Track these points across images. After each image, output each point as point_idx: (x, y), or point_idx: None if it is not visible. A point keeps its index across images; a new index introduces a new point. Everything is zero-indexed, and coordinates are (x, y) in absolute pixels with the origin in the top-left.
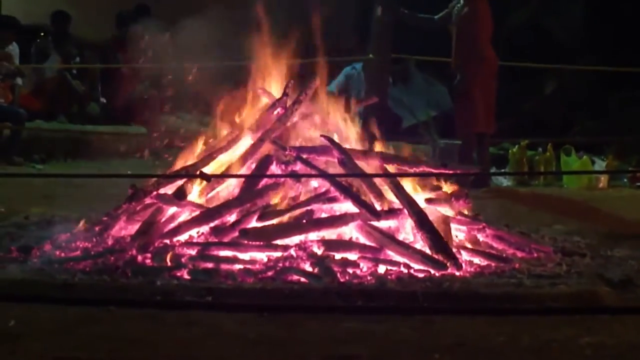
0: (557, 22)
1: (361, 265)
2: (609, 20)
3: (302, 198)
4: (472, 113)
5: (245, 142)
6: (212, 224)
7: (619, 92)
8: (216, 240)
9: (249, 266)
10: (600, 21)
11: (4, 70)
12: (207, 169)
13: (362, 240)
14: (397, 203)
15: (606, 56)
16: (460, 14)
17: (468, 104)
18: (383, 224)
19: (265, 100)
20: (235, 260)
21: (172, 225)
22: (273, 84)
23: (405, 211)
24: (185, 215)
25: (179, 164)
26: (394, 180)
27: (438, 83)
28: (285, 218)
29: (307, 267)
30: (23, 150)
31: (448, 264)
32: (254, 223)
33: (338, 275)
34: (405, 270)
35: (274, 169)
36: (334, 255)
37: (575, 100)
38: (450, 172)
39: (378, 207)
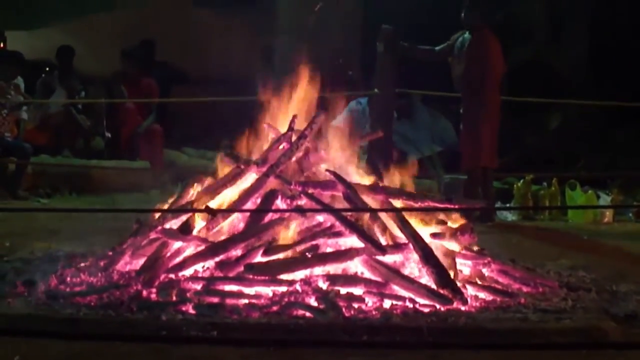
0: (562, 57)
1: (366, 300)
2: (613, 55)
3: (307, 233)
4: (477, 147)
5: (251, 176)
6: (217, 259)
7: (623, 127)
8: (221, 274)
9: (254, 301)
10: (604, 56)
11: (10, 101)
12: (213, 204)
13: (368, 274)
14: (402, 237)
15: (610, 91)
16: (469, 48)
17: (474, 139)
18: (388, 259)
19: (270, 135)
20: (240, 295)
21: (178, 259)
22: (279, 118)
23: (411, 246)
24: (190, 250)
25: (184, 199)
26: (399, 215)
27: (443, 117)
28: (290, 253)
29: (313, 301)
30: (28, 184)
31: (453, 299)
32: (259, 258)
33: (343, 310)
34: (411, 305)
35: (279, 203)
36: (339, 290)
37: (580, 135)
38: (455, 206)
39: (383, 241)
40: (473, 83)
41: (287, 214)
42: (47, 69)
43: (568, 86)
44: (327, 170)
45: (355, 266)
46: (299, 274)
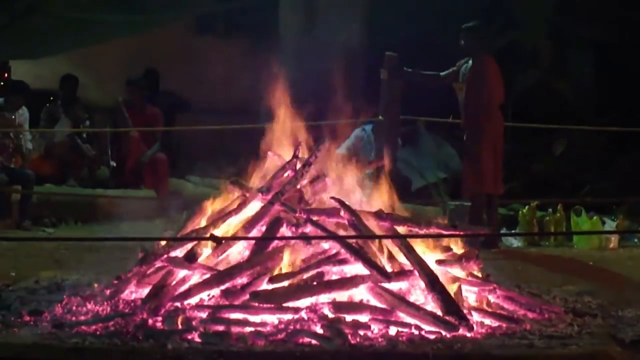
0: (567, 83)
1: (372, 327)
2: (619, 81)
3: (313, 260)
4: (481, 174)
5: (256, 204)
6: (223, 287)
7: (629, 152)
8: (227, 302)
9: (260, 329)
10: (610, 82)
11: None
12: (218, 232)
13: (373, 302)
14: (407, 264)
15: (616, 117)
16: (469, 75)
17: (477, 165)
18: (394, 286)
19: (275, 163)
20: (246, 322)
21: (183, 288)
22: (284, 146)
23: (416, 272)
24: (196, 278)
25: (189, 227)
26: (404, 242)
27: (447, 144)
28: (295, 280)
29: (318, 329)
30: (33, 214)
31: (459, 325)
32: (264, 285)
33: (349, 337)
34: (417, 332)
35: (284, 231)
36: (344, 317)
37: (585, 160)
38: (460, 233)
39: (389, 268)
40: (473, 110)
41: (292, 242)
42: (52, 98)
43: (573, 112)
44: (331, 197)
45: (361, 293)
46: (305, 302)
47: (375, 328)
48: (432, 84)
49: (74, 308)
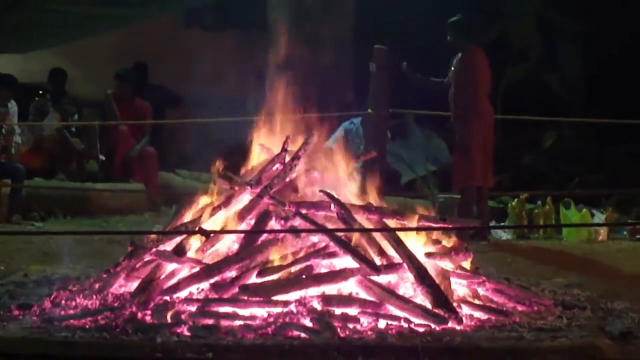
0: (556, 75)
1: (361, 320)
2: (608, 73)
3: (302, 253)
4: (470, 166)
5: (245, 198)
6: (211, 280)
7: (618, 145)
8: (216, 296)
9: (249, 322)
10: (599, 74)
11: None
12: (207, 225)
13: (362, 295)
14: (396, 257)
15: (605, 109)
16: (458, 66)
17: (466, 158)
18: (383, 279)
19: (264, 156)
20: (235, 316)
21: (172, 281)
22: (273, 139)
23: (405, 266)
24: (184, 272)
25: (178, 221)
26: (393, 235)
27: (437, 137)
28: (284, 274)
29: (307, 322)
30: (22, 208)
31: (448, 318)
32: (253, 279)
33: (338, 330)
34: (406, 325)
35: (273, 224)
36: (334, 311)
37: (574, 153)
38: (449, 226)
39: (378, 261)
40: (462, 101)
41: (281, 235)
42: (40, 92)
43: (563, 104)
44: (320, 190)
45: (350, 286)
46: (294, 295)
47: (365, 321)
48: (438, 89)
49: (63, 302)
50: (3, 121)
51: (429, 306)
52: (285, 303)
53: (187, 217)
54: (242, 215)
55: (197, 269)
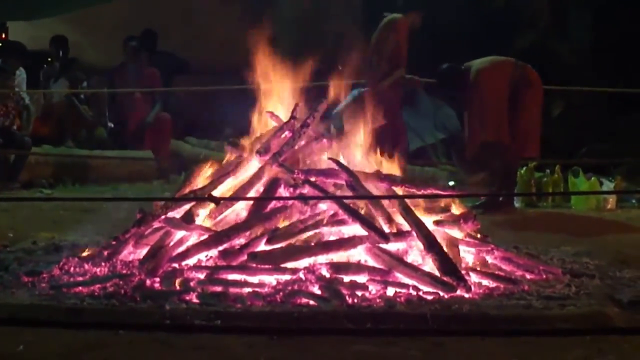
0: (565, 43)
1: (370, 287)
2: (617, 42)
3: (310, 221)
4: (484, 122)
5: (253, 165)
6: (220, 248)
7: (627, 113)
8: (225, 263)
9: (257, 289)
10: (608, 42)
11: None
12: (216, 193)
13: (371, 262)
14: (405, 225)
15: (614, 77)
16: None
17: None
18: (391, 247)
19: (273, 124)
20: (244, 283)
21: (181, 249)
22: (282, 106)
23: (414, 233)
24: (193, 239)
25: (187, 188)
26: (402, 203)
27: (446, 105)
28: (293, 241)
29: (316, 290)
30: (31, 175)
31: (457, 286)
32: (262, 246)
33: (347, 298)
34: (414, 293)
35: (282, 192)
36: (342, 278)
37: (583, 121)
38: (459, 194)
39: (386, 229)
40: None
41: (290, 202)
42: (49, 59)
43: (571, 73)
44: (329, 158)
45: (359, 254)
46: (303, 263)
47: (373, 289)
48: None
49: (72, 269)
50: (9, 89)
51: (437, 274)
52: (294, 270)
53: (196, 184)
54: (251, 182)
55: (205, 236)
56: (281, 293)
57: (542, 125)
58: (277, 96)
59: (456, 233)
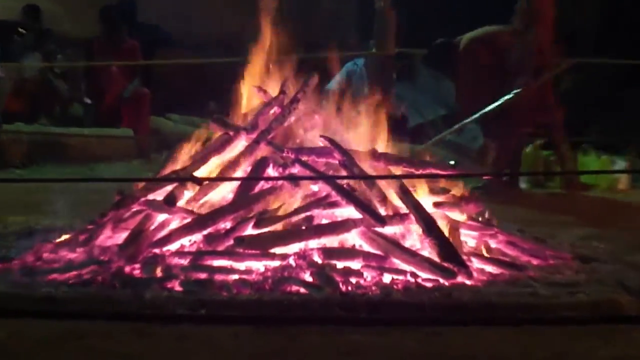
0: (575, 15)
1: (365, 274)
2: (629, 14)
3: (301, 203)
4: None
5: (240, 143)
6: (205, 232)
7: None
8: (209, 249)
9: (244, 276)
10: (620, 14)
11: None
12: (199, 173)
13: (366, 247)
14: (403, 207)
15: (626, 50)
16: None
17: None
18: (388, 230)
19: (261, 99)
20: (230, 270)
21: (162, 233)
22: (270, 81)
23: (412, 216)
24: (176, 223)
25: (169, 168)
26: (399, 183)
27: (447, 79)
28: (283, 225)
29: (307, 276)
30: (1, 154)
31: (458, 273)
32: (249, 230)
33: (340, 285)
34: (412, 280)
35: (271, 172)
36: (335, 264)
37: (593, 96)
38: (461, 174)
39: (383, 212)
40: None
41: (279, 183)
42: (21, 30)
43: (581, 45)
44: (321, 136)
45: (353, 238)
46: (293, 248)
47: (368, 275)
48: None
49: (46, 255)
50: None
51: (437, 259)
52: (284, 256)
53: (179, 164)
54: (237, 162)
55: (189, 219)
56: (270, 280)
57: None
58: (266, 70)
59: (457, 216)
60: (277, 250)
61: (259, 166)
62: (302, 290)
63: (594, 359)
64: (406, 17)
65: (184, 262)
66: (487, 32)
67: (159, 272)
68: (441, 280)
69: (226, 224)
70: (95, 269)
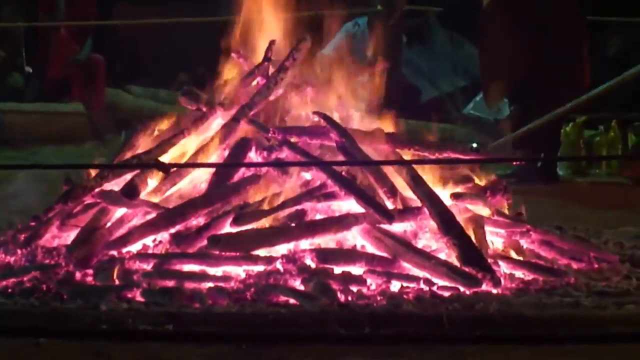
0: None
1: (368, 281)
2: None
3: (290, 195)
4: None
5: (216, 122)
6: (172, 230)
7: None
8: (178, 250)
9: (221, 284)
10: None
11: None
12: (166, 158)
13: (370, 249)
14: (415, 200)
15: None
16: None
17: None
18: (397, 228)
19: (240, 67)
20: (203, 276)
21: (121, 231)
22: (252, 45)
23: (426, 210)
24: (137, 219)
25: (128, 152)
26: (410, 170)
27: (467, 42)
28: (268, 221)
29: (298, 284)
30: None
31: (482, 279)
32: (227, 228)
33: (338, 294)
34: (426, 288)
35: (253, 157)
36: (332, 269)
37: None
38: (486, 158)
39: (390, 205)
40: None
41: (263, 170)
42: None
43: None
44: (315, 112)
45: (354, 238)
46: (280, 249)
47: (373, 283)
48: None
49: None
50: None
51: (456, 263)
52: (269, 259)
53: (141, 147)
54: (212, 144)
55: (153, 214)
56: (252, 289)
57: (596, 67)
58: (247, 31)
59: (481, 210)
60: (261, 252)
61: (239, 150)
62: (292, 301)
63: None
64: None
65: (147, 266)
66: None
67: (116, 280)
68: (462, 289)
69: (198, 220)
70: (39, 275)
